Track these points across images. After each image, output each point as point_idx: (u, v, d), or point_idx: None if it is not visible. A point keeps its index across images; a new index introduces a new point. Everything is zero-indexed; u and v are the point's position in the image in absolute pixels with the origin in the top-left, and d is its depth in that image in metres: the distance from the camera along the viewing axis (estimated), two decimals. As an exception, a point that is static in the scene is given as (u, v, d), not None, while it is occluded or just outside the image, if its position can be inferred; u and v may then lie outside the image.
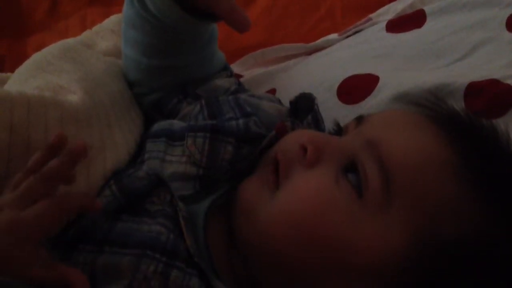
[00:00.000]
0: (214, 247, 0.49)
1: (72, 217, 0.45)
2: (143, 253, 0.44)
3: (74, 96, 0.52)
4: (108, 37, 0.66)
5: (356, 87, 0.68)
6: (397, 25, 0.79)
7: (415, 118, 0.51)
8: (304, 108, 0.60)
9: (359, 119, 0.52)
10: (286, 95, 0.65)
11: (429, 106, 0.52)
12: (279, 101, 0.64)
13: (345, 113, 0.63)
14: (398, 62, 0.72)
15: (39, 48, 0.75)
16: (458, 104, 0.59)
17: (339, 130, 0.54)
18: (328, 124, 0.58)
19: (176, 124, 0.57)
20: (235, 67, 0.83)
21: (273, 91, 0.74)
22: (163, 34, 0.59)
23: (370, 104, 0.65)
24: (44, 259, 0.40)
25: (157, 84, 0.63)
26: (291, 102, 0.61)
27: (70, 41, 0.63)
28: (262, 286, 0.48)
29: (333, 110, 0.63)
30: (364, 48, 0.77)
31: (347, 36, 0.83)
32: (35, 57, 0.60)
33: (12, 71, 0.64)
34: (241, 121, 0.55)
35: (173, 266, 0.45)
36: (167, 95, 0.62)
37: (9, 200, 0.42)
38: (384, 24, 0.80)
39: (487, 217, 0.45)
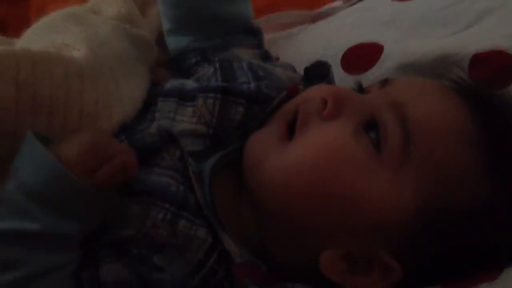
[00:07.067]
0: (221, 202, 0.50)
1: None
2: (153, 201, 0.46)
3: (78, 52, 0.52)
4: (114, 4, 0.65)
5: (360, 56, 0.68)
6: (403, -8, 0.78)
7: (441, 87, 0.52)
8: (317, 75, 0.60)
9: (385, 81, 0.53)
10: (290, 63, 0.65)
11: (453, 78, 0.53)
12: (293, 68, 0.63)
13: (348, 83, 0.63)
14: (404, 30, 0.71)
15: (40, 11, 0.74)
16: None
17: (361, 91, 0.54)
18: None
19: (188, 84, 0.57)
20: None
21: (276, 59, 0.73)
22: None
23: (374, 75, 0.65)
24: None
25: (173, 15, 0.63)
26: (306, 69, 0.61)
27: (76, 7, 0.64)
28: (270, 240, 0.49)
29: (337, 80, 0.63)
30: (369, 15, 0.76)
31: (352, 4, 0.82)
32: (43, 20, 0.60)
33: (15, 35, 0.64)
34: (252, 84, 0.55)
35: (181, 216, 0.46)
36: (188, 54, 0.62)
37: None
38: (389, -9, 0.79)
39: (499, 192, 0.46)
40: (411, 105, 0.48)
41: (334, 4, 0.84)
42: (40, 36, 0.56)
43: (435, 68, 0.61)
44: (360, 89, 0.54)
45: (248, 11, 0.66)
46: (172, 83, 0.57)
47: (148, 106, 0.56)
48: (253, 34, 0.65)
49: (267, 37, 0.80)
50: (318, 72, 0.60)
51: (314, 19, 0.82)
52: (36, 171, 0.42)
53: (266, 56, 0.65)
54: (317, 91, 0.52)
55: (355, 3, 0.82)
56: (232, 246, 0.46)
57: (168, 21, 0.65)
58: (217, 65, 0.58)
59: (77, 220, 0.43)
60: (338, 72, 0.67)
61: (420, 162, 0.46)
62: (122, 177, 0.44)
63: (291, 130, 0.50)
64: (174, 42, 0.65)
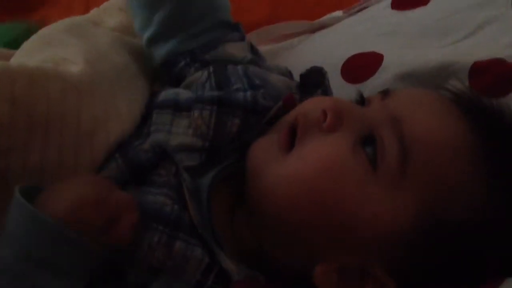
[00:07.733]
0: (218, 218, 0.49)
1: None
2: (148, 224, 0.46)
3: (75, 67, 0.52)
4: (115, 14, 0.65)
5: (360, 66, 0.68)
6: (403, 2, 0.78)
7: (441, 99, 0.51)
8: (314, 82, 0.60)
9: (386, 93, 0.52)
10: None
11: (452, 89, 0.52)
12: (290, 73, 0.63)
13: (348, 92, 0.63)
14: (403, 40, 0.72)
15: (42, 22, 0.74)
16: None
17: (362, 102, 0.54)
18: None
19: (183, 93, 0.56)
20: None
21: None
22: None
23: (374, 84, 0.65)
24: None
25: (155, 19, 0.61)
26: (301, 76, 0.61)
27: (77, 18, 0.63)
28: (269, 245, 0.49)
29: (337, 89, 0.63)
30: (369, 25, 0.77)
31: (352, 14, 0.82)
32: (42, 32, 0.59)
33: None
34: (248, 93, 0.55)
35: (177, 237, 0.46)
36: (175, 58, 0.61)
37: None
38: (389, 1, 0.79)
39: (499, 201, 0.46)
40: (410, 119, 0.47)
41: (334, 14, 0.84)
42: (37, 50, 0.55)
43: (435, 78, 0.61)
44: (362, 99, 0.54)
45: (227, 3, 0.64)
46: (166, 93, 0.56)
47: (144, 119, 0.55)
48: (235, 27, 0.64)
49: (267, 48, 0.80)
50: (313, 79, 0.60)
51: (314, 29, 0.82)
52: (35, 235, 0.41)
53: (252, 49, 0.64)
54: (318, 102, 0.52)
55: (355, 13, 0.82)
56: (229, 264, 0.46)
57: (149, 28, 0.62)
58: (211, 69, 0.58)
59: (81, 277, 0.42)
60: (338, 82, 0.67)
61: (418, 175, 0.46)
62: (130, 237, 0.44)
63: (291, 141, 0.50)
64: (159, 49, 0.63)
